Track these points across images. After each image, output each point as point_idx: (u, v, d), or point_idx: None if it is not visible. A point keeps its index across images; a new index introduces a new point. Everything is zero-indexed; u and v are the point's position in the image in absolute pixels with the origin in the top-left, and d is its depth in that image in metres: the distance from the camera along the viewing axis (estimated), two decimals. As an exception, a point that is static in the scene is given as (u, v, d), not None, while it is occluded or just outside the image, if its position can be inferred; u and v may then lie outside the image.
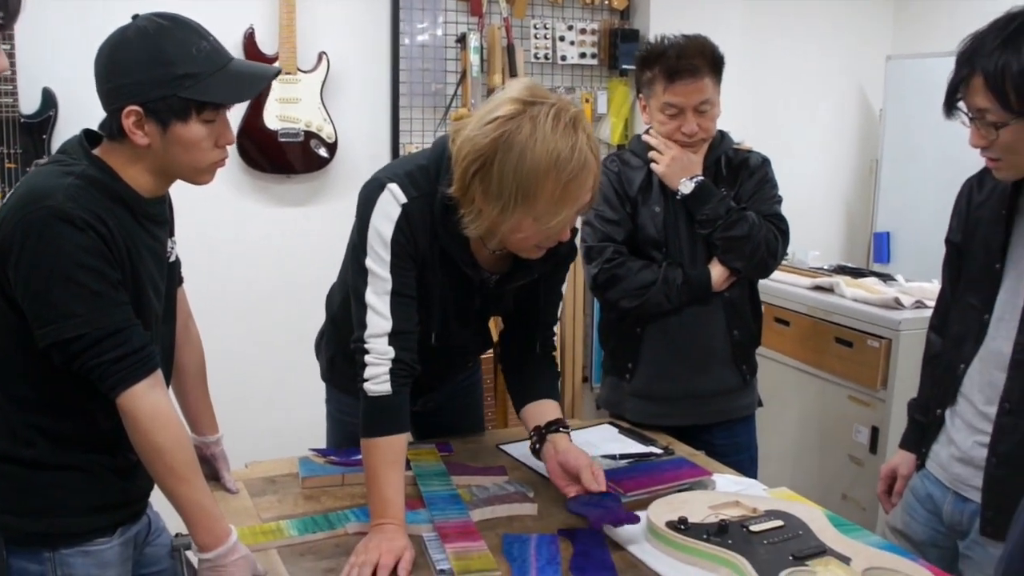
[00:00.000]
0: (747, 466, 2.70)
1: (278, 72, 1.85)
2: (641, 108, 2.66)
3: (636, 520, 1.85)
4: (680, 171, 2.55)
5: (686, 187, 2.54)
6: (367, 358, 1.93)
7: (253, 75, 1.78)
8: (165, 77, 1.64)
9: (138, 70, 1.65)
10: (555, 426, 2.12)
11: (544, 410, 2.16)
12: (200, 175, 1.78)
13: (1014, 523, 1.17)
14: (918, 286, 3.59)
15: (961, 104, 1.89)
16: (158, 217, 1.80)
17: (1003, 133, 1.82)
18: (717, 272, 2.58)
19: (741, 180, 2.63)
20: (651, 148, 2.61)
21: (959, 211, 2.17)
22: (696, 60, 2.47)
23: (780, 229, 2.61)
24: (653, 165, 2.58)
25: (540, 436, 2.12)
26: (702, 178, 2.55)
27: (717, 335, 2.65)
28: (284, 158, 3.71)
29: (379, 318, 1.93)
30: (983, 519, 2.01)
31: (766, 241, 2.56)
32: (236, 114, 3.60)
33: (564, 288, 2.24)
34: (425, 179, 1.95)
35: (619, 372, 2.72)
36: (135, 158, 1.72)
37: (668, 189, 2.59)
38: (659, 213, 2.60)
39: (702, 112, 2.52)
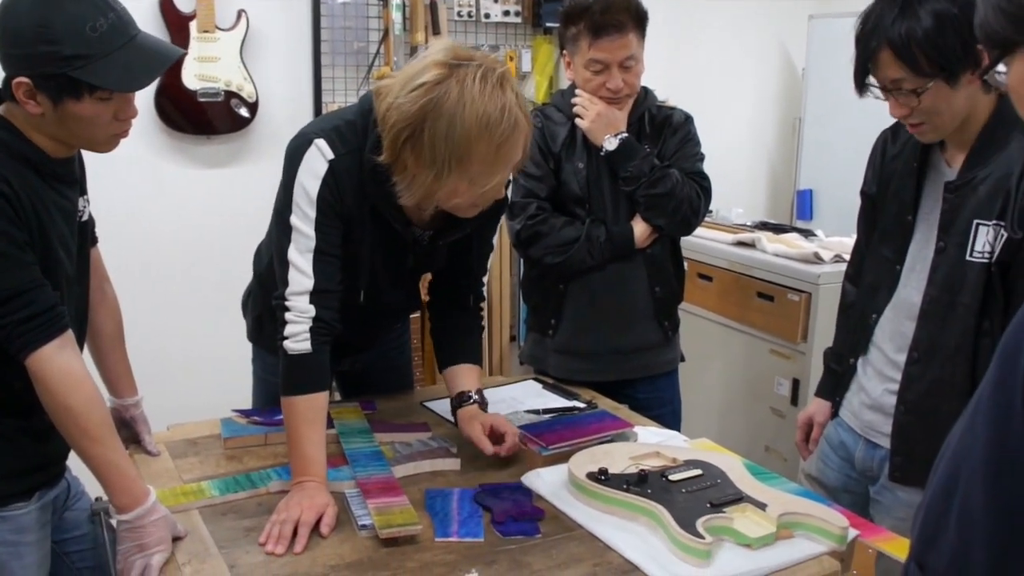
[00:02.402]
0: (670, 420, 2.74)
1: (180, 55, 1.79)
2: (565, 65, 2.65)
3: (541, 515, 1.84)
4: (605, 127, 2.56)
5: (611, 143, 2.55)
6: (287, 315, 1.92)
7: (151, 59, 1.69)
8: (52, 56, 1.57)
9: (25, 43, 1.58)
10: (467, 397, 2.16)
11: (462, 379, 2.20)
12: (98, 146, 1.74)
13: (932, 472, 1.20)
14: (838, 240, 3.66)
15: (871, 80, 1.92)
16: (67, 177, 1.76)
17: (924, 98, 1.86)
18: (640, 229, 2.60)
19: (664, 137, 2.64)
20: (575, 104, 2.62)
21: (873, 163, 2.21)
22: (621, 16, 2.47)
23: (702, 187, 2.63)
24: (578, 120, 2.57)
25: (453, 410, 2.19)
26: (626, 135, 2.56)
27: (639, 292, 2.68)
28: (204, 118, 3.64)
29: (301, 276, 1.92)
30: (892, 465, 2.07)
31: (689, 199, 2.58)
32: (154, 73, 3.53)
33: (495, 239, 2.26)
34: (353, 135, 1.94)
35: (542, 329, 2.74)
36: (32, 123, 1.67)
37: (591, 145, 2.59)
38: (582, 169, 2.60)
39: (627, 68, 2.52)
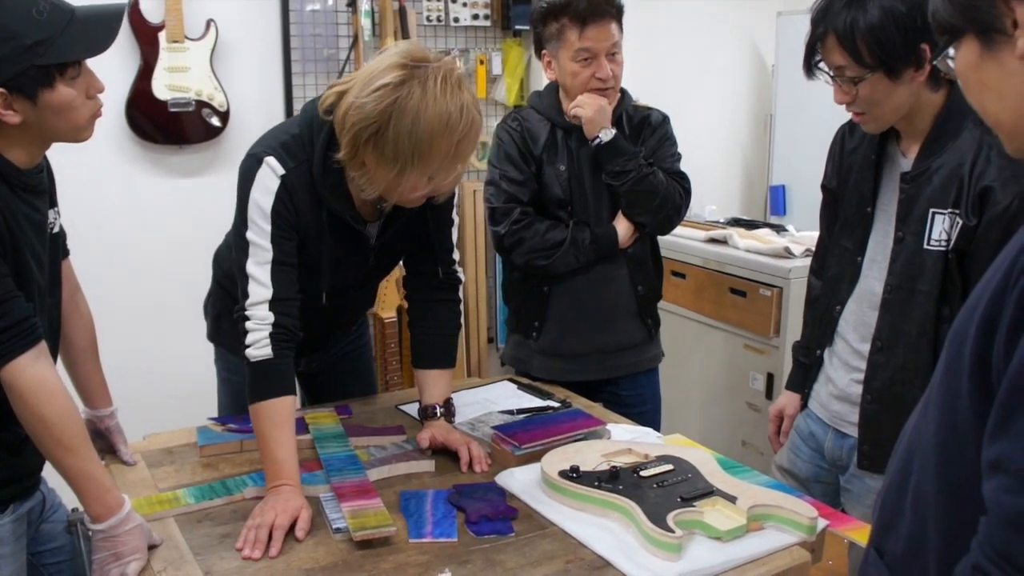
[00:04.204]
0: (652, 417, 2.77)
1: (125, 7, 1.80)
2: (545, 65, 2.66)
3: (514, 514, 1.86)
4: (604, 119, 2.57)
5: (606, 135, 2.57)
6: (248, 324, 1.96)
7: (103, 19, 1.71)
8: (16, 51, 1.59)
9: None
10: (432, 413, 2.21)
11: (431, 388, 2.25)
12: (81, 132, 1.75)
13: (891, 459, 1.23)
14: (808, 235, 3.69)
15: (822, 64, 1.97)
16: (36, 188, 1.77)
17: (862, 88, 1.91)
18: (623, 228, 2.63)
19: (643, 137, 2.67)
20: (558, 103, 2.65)
21: (833, 158, 2.25)
22: (603, 5, 2.51)
23: (684, 188, 2.67)
24: (578, 110, 2.57)
25: (420, 419, 2.25)
26: (615, 131, 2.59)
27: (623, 291, 2.70)
28: (176, 128, 3.64)
29: (260, 287, 1.96)
30: (860, 453, 2.11)
31: (671, 198, 2.61)
32: (124, 84, 3.52)
33: (455, 215, 2.29)
34: (300, 147, 2.00)
35: (525, 331, 2.75)
36: (7, 136, 1.67)
37: (572, 147, 2.62)
38: (564, 172, 2.62)
39: (613, 56, 2.56)
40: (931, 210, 1.95)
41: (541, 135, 2.64)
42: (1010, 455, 0.93)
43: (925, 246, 1.96)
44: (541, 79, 4.25)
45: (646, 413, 2.72)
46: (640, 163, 2.58)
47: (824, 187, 2.29)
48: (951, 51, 1.10)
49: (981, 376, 0.99)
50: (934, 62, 1.14)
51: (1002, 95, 1.06)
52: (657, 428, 2.73)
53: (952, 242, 1.92)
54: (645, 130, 2.68)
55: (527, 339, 2.75)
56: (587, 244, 2.59)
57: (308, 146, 1.99)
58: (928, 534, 1.09)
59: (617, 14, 2.55)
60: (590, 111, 2.56)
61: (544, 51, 2.63)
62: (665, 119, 2.72)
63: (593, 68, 2.54)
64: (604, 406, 2.55)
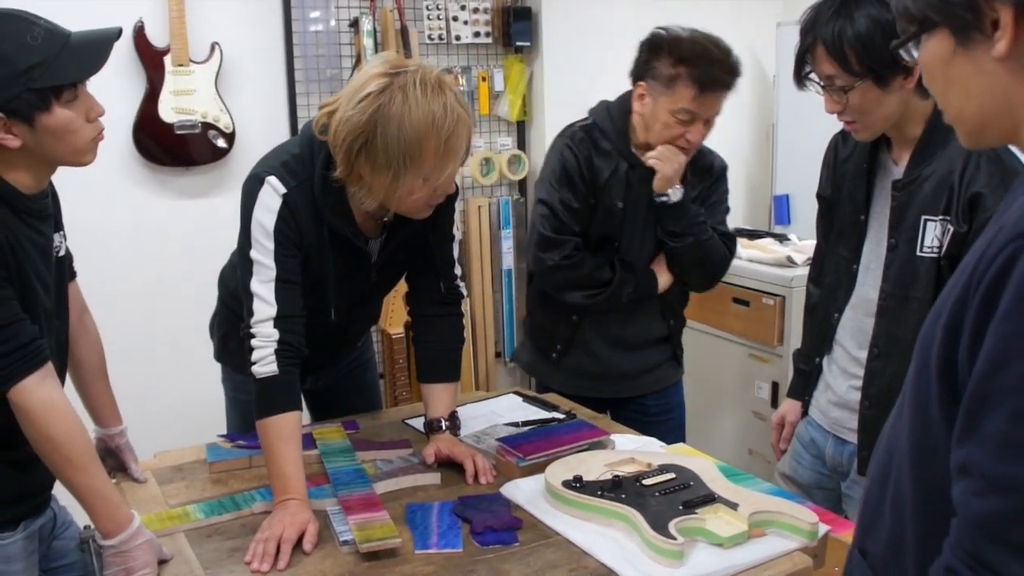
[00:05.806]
0: (677, 423, 2.80)
1: (119, 32, 1.80)
2: (637, 96, 2.51)
3: (519, 524, 1.88)
4: (677, 178, 2.50)
5: (676, 194, 2.50)
6: (253, 342, 1.99)
7: (97, 43, 1.75)
8: (11, 76, 1.62)
9: None
10: (438, 427, 2.23)
11: (435, 402, 2.27)
12: (82, 156, 1.78)
13: (871, 461, 1.25)
14: (810, 244, 3.68)
15: (813, 75, 2.00)
16: (41, 212, 1.80)
17: (852, 96, 1.94)
18: (664, 280, 2.61)
19: (703, 183, 2.62)
20: (628, 131, 2.55)
21: (827, 167, 2.28)
22: (730, 75, 2.44)
23: (729, 250, 2.64)
24: (656, 163, 2.48)
25: (426, 434, 2.26)
26: (683, 190, 2.52)
27: (653, 325, 2.70)
28: (182, 150, 3.69)
29: (264, 305, 1.99)
30: (859, 459, 2.13)
31: (720, 261, 2.61)
32: (131, 108, 3.57)
33: (456, 230, 2.31)
34: (300, 166, 2.03)
35: (543, 350, 2.75)
36: (10, 160, 1.70)
37: (633, 183, 2.53)
38: (620, 207, 2.55)
39: (709, 121, 2.48)
40: (923, 217, 1.98)
41: (606, 167, 2.54)
42: (977, 459, 0.95)
43: (918, 253, 1.98)
44: (543, 95, 4.29)
45: (673, 420, 2.75)
46: (702, 230, 2.52)
47: (819, 196, 2.31)
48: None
49: (948, 379, 1.01)
50: (895, 47, 1.14)
51: (969, 92, 1.06)
52: (682, 434, 2.76)
53: (944, 248, 1.94)
54: (706, 177, 2.62)
55: (546, 357, 2.75)
56: (629, 292, 2.56)
57: (308, 165, 2.02)
58: (906, 535, 1.10)
59: (734, 83, 2.47)
60: (670, 169, 2.47)
61: (643, 82, 2.49)
62: (725, 169, 2.66)
63: (686, 129, 2.44)
64: (628, 420, 2.57)
